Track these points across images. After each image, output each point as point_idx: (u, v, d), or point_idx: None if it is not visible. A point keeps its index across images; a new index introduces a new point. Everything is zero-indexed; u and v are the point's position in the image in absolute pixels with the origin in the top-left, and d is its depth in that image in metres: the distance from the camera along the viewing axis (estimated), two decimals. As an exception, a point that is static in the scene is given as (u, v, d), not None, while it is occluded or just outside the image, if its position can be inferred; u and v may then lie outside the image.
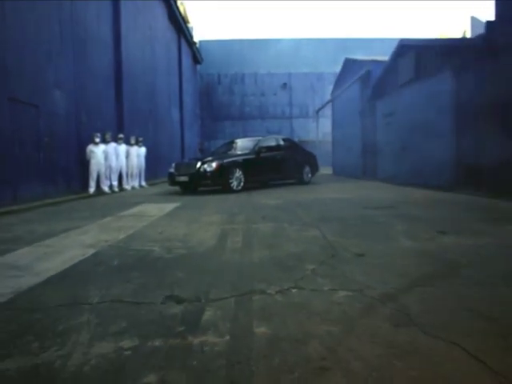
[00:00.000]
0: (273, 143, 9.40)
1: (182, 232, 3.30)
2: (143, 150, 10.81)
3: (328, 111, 23.27)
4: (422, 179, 7.98)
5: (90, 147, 8.45)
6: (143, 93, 13.17)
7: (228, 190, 7.67)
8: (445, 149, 7.17)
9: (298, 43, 28.30)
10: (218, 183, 7.65)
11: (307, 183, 10.00)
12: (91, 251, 2.62)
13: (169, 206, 5.38)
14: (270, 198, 6.23)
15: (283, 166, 9.18)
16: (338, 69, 23.09)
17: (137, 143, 10.52)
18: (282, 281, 1.86)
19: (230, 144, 9.68)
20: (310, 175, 10.33)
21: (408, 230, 3.13)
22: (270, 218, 4.05)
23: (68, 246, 2.85)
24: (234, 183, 7.82)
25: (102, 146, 8.67)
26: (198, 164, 7.61)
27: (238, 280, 1.90)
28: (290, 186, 9.27)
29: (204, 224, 3.72)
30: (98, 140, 8.51)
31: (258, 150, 8.61)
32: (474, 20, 20.74)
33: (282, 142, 9.70)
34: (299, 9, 70.80)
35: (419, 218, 3.78)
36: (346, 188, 8.23)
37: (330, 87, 25.51)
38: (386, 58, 11.33)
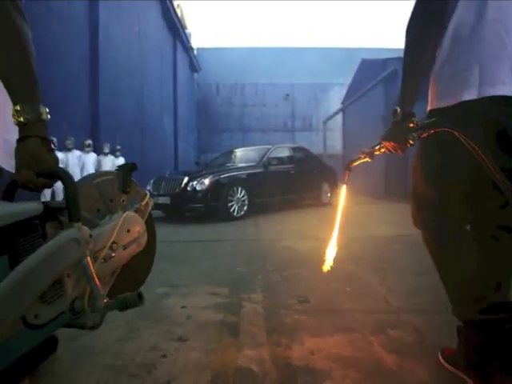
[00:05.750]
0: (285, 154, 7.27)
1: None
2: (121, 160, 8.61)
3: (333, 124, 21.45)
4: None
5: (42, 156, 6.26)
6: (128, 94, 11.06)
7: (226, 216, 5.49)
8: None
9: (302, 52, 26.71)
10: (212, 207, 5.45)
11: (326, 205, 7.84)
12: None
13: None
14: (291, 236, 4.04)
15: (298, 183, 7.02)
16: (343, 79, 21.35)
17: (113, 153, 8.37)
18: None
19: (230, 154, 7.55)
20: (329, 195, 8.18)
21: None
22: (320, 302, 1.86)
23: None
24: (235, 207, 5.64)
25: (59, 155, 6.48)
26: (185, 180, 5.43)
27: None
28: (306, 208, 7.08)
29: (173, 340, 1.52)
30: (53, 146, 6.33)
31: (266, 163, 6.47)
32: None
33: (294, 153, 7.59)
34: (303, 17, 70.28)
35: None
36: (386, 214, 6.06)
37: (336, 98, 23.75)
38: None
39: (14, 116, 0.79)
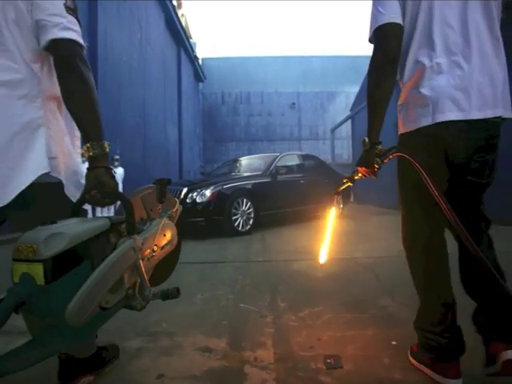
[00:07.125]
0: (294, 162, 6.73)
1: None
2: (120, 171, 8.18)
3: (340, 133, 20.96)
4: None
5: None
6: (129, 105, 10.67)
7: (230, 230, 4.93)
8: None
9: (307, 60, 26.50)
10: (214, 221, 4.90)
11: (338, 216, 7.24)
12: None
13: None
14: (304, 255, 3.46)
15: (308, 193, 6.45)
16: (349, 87, 20.96)
17: (111, 163, 7.93)
18: None
19: (235, 163, 7.04)
20: (341, 205, 7.58)
21: None
22: (357, 368, 1.27)
23: None
24: (240, 221, 5.09)
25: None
26: (184, 191, 4.91)
27: None
28: (317, 220, 6.47)
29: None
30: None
31: (274, 172, 5.93)
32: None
33: (303, 161, 7.04)
34: (308, 25, 70.35)
35: None
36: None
37: (342, 107, 23.31)
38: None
39: (85, 151, 1.01)
